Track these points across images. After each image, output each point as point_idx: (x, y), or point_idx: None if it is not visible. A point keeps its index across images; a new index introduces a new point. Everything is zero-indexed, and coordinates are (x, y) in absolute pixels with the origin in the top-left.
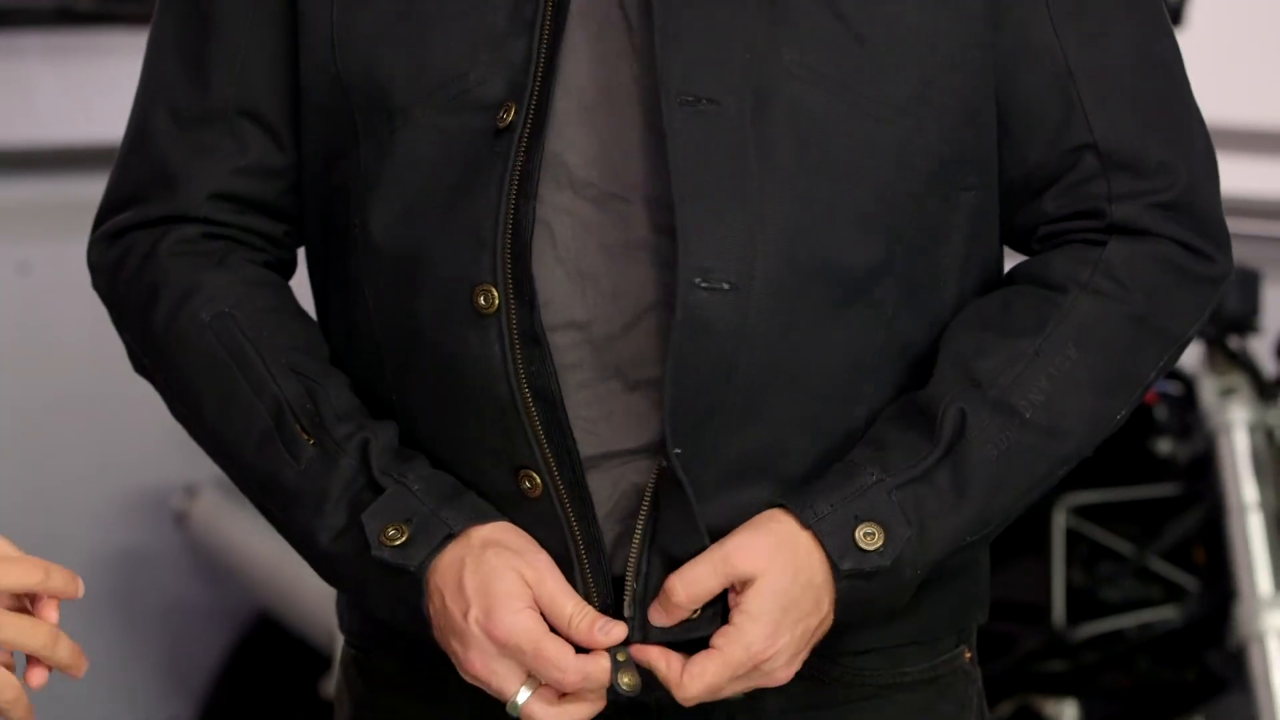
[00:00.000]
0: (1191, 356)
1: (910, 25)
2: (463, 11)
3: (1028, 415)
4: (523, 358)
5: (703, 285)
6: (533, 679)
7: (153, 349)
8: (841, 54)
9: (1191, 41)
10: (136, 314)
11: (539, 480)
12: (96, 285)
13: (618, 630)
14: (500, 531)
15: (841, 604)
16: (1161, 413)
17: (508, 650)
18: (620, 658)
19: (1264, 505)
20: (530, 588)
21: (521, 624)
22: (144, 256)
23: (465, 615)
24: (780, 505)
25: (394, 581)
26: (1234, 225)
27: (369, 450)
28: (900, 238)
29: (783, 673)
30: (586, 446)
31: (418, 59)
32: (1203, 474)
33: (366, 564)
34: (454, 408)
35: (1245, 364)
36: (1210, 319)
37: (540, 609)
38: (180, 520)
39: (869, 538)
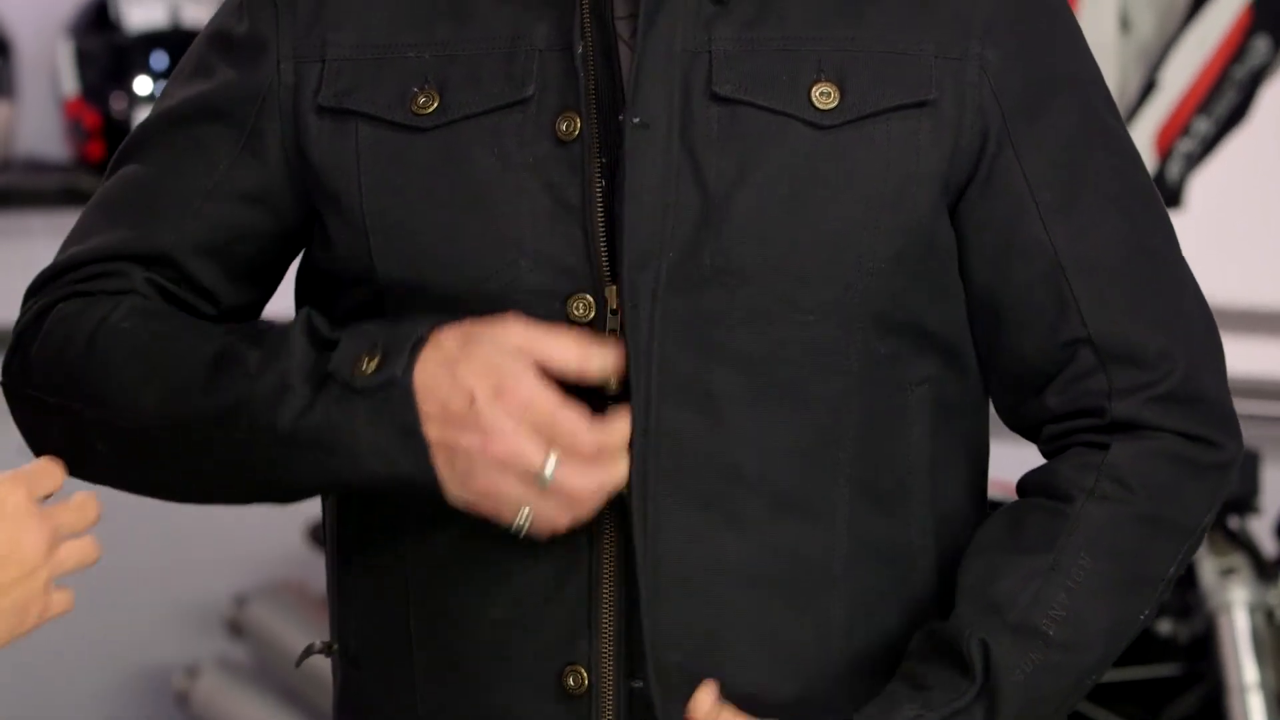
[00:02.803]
0: None
1: (844, 226)
2: (501, 197)
3: (1051, 633)
4: None
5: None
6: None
7: (76, 387)
8: (764, 255)
9: (1190, 223)
10: (52, 365)
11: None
12: (7, 378)
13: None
14: (469, 325)
15: None
16: None
17: (526, 420)
18: None
19: (1264, 686)
20: (525, 351)
21: (535, 392)
22: (54, 317)
23: (473, 401)
24: None
25: (382, 409)
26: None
27: (313, 320)
28: (839, 439)
29: None
30: None
31: (461, 249)
32: (1203, 654)
33: (347, 415)
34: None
35: (1245, 544)
36: None
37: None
38: (181, 700)
39: None
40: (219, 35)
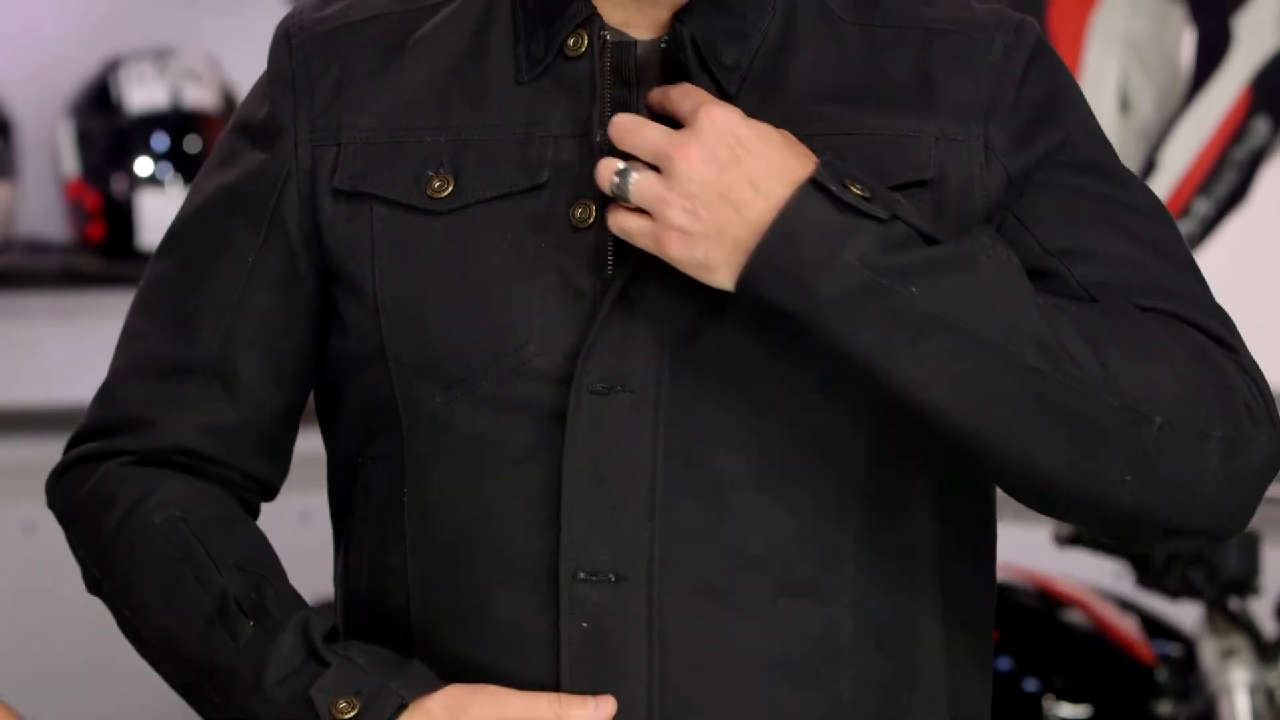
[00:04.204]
0: (1192, 618)
1: None
2: (514, 281)
3: (1041, 301)
4: None
5: (583, 578)
6: None
7: (102, 556)
8: (764, 338)
9: None
10: (89, 523)
11: None
12: (52, 503)
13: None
14: (454, 693)
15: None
16: (1162, 675)
17: None
18: None
19: None
20: None
21: None
22: (105, 472)
23: None
24: None
25: None
26: None
27: (310, 628)
28: (844, 522)
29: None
30: None
31: (471, 331)
32: None
33: None
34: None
35: (1245, 625)
36: (1210, 580)
37: None
38: None
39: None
40: (242, 123)
